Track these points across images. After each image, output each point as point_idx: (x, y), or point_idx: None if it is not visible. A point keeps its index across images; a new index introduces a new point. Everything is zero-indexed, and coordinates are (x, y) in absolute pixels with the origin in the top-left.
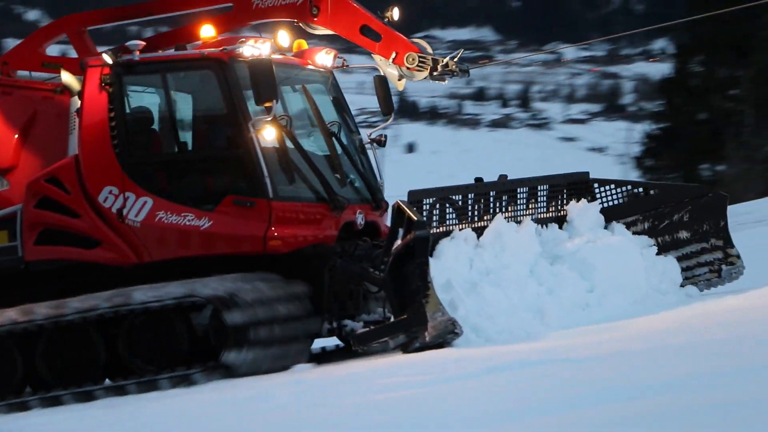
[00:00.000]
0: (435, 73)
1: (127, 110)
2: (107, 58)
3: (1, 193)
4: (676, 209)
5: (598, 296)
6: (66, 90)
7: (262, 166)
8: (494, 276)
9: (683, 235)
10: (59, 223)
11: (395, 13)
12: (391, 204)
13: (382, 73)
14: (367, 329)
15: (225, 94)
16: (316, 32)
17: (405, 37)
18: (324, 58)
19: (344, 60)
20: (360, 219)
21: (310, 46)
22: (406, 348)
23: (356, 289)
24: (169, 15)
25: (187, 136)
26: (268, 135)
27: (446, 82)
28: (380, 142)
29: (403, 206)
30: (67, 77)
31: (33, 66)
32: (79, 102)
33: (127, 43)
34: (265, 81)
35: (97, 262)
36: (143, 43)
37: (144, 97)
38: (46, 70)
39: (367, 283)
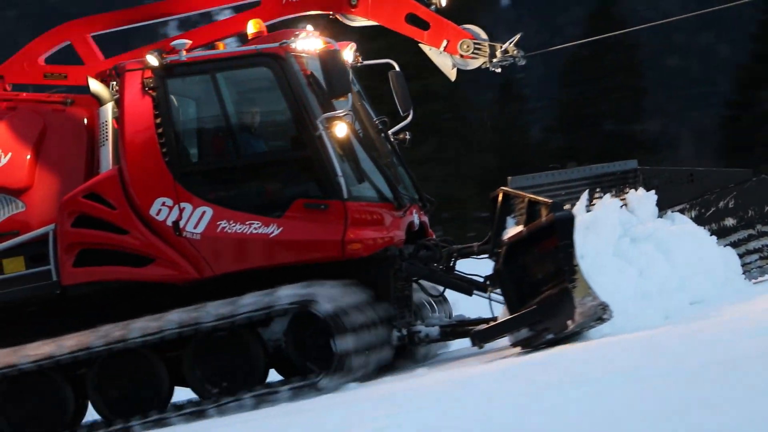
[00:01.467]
0: (494, 60)
1: (176, 115)
2: (152, 60)
3: (17, 216)
4: (721, 195)
5: (683, 279)
6: (75, 102)
7: (335, 165)
8: (589, 260)
9: (729, 222)
10: (103, 242)
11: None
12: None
13: (398, 70)
14: (486, 326)
15: (285, 91)
16: (354, 24)
17: (455, 24)
18: (349, 54)
19: (359, 56)
20: (416, 219)
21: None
22: (529, 343)
23: (410, 294)
24: (187, 15)
25: (244, 139)
26: (339, 132)
27: (500, 71)
28: (404, 141)
29: (518, 192)
30: (95, 85)
31: (34, 78)
32: (111, 111)
33: (173, 43)
34: (339, 73)
35: (150, 280)
36: (190, 41)
37: (193, 100)
38: (48, 81)
39: (435, 285)
